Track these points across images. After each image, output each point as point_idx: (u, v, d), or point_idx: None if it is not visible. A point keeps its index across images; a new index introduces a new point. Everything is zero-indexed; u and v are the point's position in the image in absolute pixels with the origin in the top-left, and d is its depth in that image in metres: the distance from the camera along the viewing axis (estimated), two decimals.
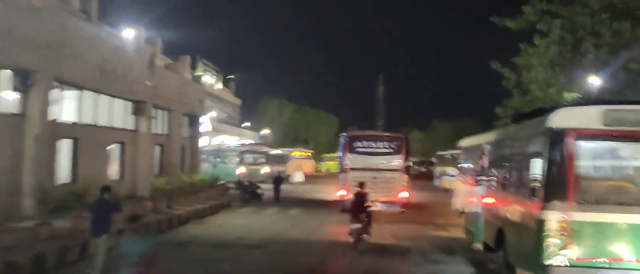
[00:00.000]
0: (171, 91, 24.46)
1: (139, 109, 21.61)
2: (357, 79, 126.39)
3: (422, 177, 48.18)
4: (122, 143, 20.81)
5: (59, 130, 16.36)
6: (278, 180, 26.53)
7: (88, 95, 18.04)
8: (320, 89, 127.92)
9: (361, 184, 14.43)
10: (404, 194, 19.43)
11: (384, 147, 19.86)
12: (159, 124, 24.30)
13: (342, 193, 19.42)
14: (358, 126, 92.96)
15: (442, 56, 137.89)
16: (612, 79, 20.50)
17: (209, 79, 54.32)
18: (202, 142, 43.20)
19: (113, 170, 20.32)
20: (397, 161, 19.61)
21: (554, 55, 22.10)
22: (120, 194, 18.87)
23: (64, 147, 17.07)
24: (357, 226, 13.40)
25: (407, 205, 19.72)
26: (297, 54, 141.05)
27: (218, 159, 36.76)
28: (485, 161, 11.66)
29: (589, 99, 9.19)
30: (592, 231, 7.47)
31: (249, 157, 37.07)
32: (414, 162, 74.11)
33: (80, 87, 17.34)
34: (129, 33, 21.35)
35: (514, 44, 24.06)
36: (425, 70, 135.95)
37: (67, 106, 17.21)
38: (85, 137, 17.85)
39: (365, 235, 13.38)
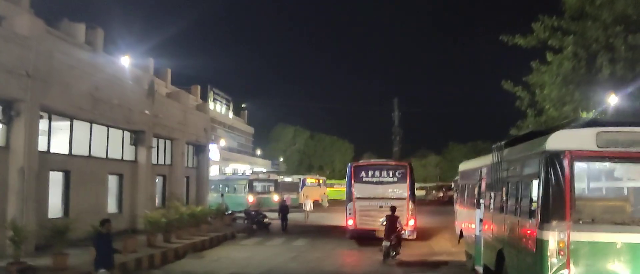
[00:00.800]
0: (173, 120, 23.87)
1: (138, 139, 21.01)
2: (372, 105, 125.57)
3: (439, 202, 46.88)
4: (120, 175, 20.16)
5: (49, 162, 15.76)
6: (284, 209, 25.68)
7: (81, 125, 17.45)
8: (334, 116, 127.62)
9: (393, 209, 15.85)
10: (411, 222, 19.12)
11: (389, 176, 19.80)
12: (161, 154, 23.66)
13: (350, 222, 19.69)
14: (373, 152, 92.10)
15: (457, 78, 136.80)
16: (630, 97, 19.52)
17: (220, 108, 54.03)
18: (213, 171, 42.63)
19: (111, 203, 19.63)
20: (403, 189, 19.51)
21: (568, 72, 21.11)
22: (118, 227, 18.21)
23: (56, 180, 16.45)
24: (388, 244, 15.04)
25: (414, 231, 19.35)
26: (311, 82, 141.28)
27: (227, 189, 36.08)
28: (483, 184, 11.80)
29: (584, 121, 9.12)
30: (589, 251, 7.56)
31: (257, 186, 36.31)
32: (431, 187, 72.94)
33: (70, 117, 16.76)
34: (125, 61, 20.83)
35: (527, 64, 23.21)
36: (440, 93, 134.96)
37: (58, 137, 16.63)
38: (79, 169, 17.22)
39: (393, 252, 15.04)
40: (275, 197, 35.33)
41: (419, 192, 69.28)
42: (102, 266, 9.54)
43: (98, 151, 18.51)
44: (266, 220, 25.80)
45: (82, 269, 12.00)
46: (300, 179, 50.09)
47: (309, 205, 28.69)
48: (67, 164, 16.79)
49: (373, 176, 19.88)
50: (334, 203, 47.39)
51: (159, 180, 23.53)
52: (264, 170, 65.27)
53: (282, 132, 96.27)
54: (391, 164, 20.92)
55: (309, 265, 15.10)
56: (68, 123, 16.93)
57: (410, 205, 19.25)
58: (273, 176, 39.55)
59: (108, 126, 19.05)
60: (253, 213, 27.24)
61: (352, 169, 20.26)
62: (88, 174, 17.78)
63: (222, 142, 45.79)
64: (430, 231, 22.48)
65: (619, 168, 8.78)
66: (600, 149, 7.82)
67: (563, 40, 19.99)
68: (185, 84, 46.39)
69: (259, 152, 64.65)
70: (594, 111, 20.87)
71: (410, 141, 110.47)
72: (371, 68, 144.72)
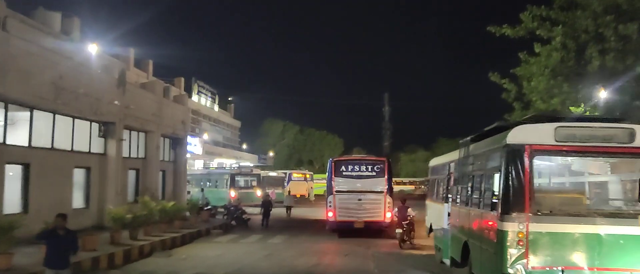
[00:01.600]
0: (147, 112, 22.91)
1: (107, 131, 20.06)
2: (361, 100, 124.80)
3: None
4: (87, 168, 19.21)
5: (5, 154, 14.81)
6: (266, 204, 24.80)
7: (42, 116, 16.49)
8: (324, 111, 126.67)
9: (403, 200, 18.15)
10: (388, 214, 19.77)
11: (368, 170, 20.41)
12: (134, 147, 22.72)
13: (330, 214, 20.25)
14: (362, 146, 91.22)
15: (445, 74, 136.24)
16: (619, 91, 18.82)
17: (205, 101, 52.99)
18: (197, 165, 41.67)
19: (77, 197, 18.68)
20: (381, 183, 20.13)
21: (556, 63, 20.36)
22: (85, 224, 17.31)
23: (14, 174, 15.50)
24: (401, 231, 17.13)
25: (391, 225, 19.66)
26: (300, 76, 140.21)
27: (208, 183, 35.10)
28: (451, 179, 12.13)
29: (544, 117, 9.20)
30: (547, 241, 7.88)
31: (240, 181, 35.33)
32: (420, 182, 72.32)
33: (31, 107, 15.80)
34: (93, 49, 19.84)
35: (515, 56, 22.46)
36: (429, 88, 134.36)
37: (17, 128, 15.69)
38: (40, 162, 16.27)
39: (406, 238, 17.08)
40: (258, 193, 34.46)
41: (408, 187, 68.84)
42: (51, 265, 8.60)
43: (62, 143, 17.56)
44: (245, 216, 24.98)
45: (30, 269, 11.11)
46: (286, 173, 49.21)
47: (289, 200, 27.80)
48: (27, 156, 15.84)
49: (352, 170, 20.43)
50: (322, 198, 46.62)
51: (132, 174, 22.58)
52: (251, 164, 64.38)
53: (271, 127, 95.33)
54: (370, 159, 21.40)
55: (282, 263, 14.27)
56: (28, 113, 15.95)
57: (388, 198, 19.90)
58: (256, 171, 38.61)
59: (73, 117, 18.07)
60: (232, 208, 26.41)
61: (333, 164, 20.85)
62: (51, 168, 16.83)
63: (206, 136, 44.74)
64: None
65: (577, 162, 9.32)
66: (559, 144, 8.10)
67: (552, 31, 19.25)
68: (169, 76, 45.39)
69: (245, 146, 63.52)
70: (582, 105, 20.16)
71: (400, 136, 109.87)
72: (360, 63, 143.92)
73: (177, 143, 26.85)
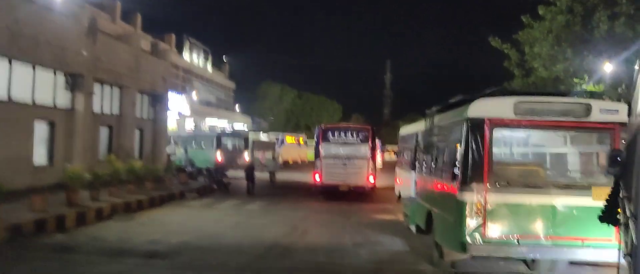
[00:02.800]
0: (121, 65, 21.46)
1: (75, 83, 18.67)
2: (361, 66, 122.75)
3: None
4: (51, 122, 17.90)
5: None
6: (250, 169, 23.52)
7: None
8: (323, 75, 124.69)
9: None
10: (371, 179, 20.99)
11: (353, 137, 21.42)
12: (107, 102, 21.36)
13: (317, 177, 21.32)
14: (361, 113, 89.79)
15: (446, 40, 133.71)
16: (627, 62, 17.39)
17: (197, 60, 51.35)
18: (188, 125, 40.29)
19: (39, 154, 17.42)
20: (365, 150, 21.17)
21: (561, 27, 18.87)
22: (48, 181, 16.10)
23: None
24: None
25: (374, 188, 21.42)
26: (300, 39, 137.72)
27: (194, 144, 33.79)
28: (418, 148, 12.36)
29: (505, 91, 9.42)
30: (505, 211, 8.15)
31: (227, 143, 34.03)
32: None
33: None
34: None
35: (519, 21, 21.01)
36: (430, 55, 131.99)
37: None
38: None
39: None
40: (246, 156, 33.23)
41: None
42: None
43: (20, 94, 16.20)
44: (226, 180, 23.81)
45: None
46: (278, 137, 48.00)
47: (272, 165, 26.34)
48: None
49: (339, 137, 21.44)
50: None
51: (104, 131, 21.28)
52: (246, 126, 63.10)
53: (268, 90, 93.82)
54: (355, 127, 22.70)
55: (249, 233, 13.06)
56: None
57: (371, 164, 21.06)
58: (245, 133, 37.29)
59: (33, 65, 16.65)
60: (213, 171, 25.30)
61: (321, 131, 21.94)
62: (7, 120, 15.52)
63: (195, 95, 43.27)
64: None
65: (535, 135, 9.65)
66: (518, 118, 8.33)
67: None
68: (161, 32, 43.73)
69: (238, 108, 62.02)
70: (586, 77, 18.75)
71: (400, 103, 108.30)
72: (361, 28, 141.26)
73: (157, 100, 25.46)
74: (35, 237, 11.20)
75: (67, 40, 17.79)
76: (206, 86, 53.42)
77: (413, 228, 12.14)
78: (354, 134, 21.36)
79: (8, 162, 15.31)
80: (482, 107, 8.44)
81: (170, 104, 35.99)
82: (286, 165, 45.72)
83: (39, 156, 17.34)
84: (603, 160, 8.80)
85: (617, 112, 8.34)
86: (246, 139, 34.31)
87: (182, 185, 22.29)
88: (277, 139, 47.16)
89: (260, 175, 27.41)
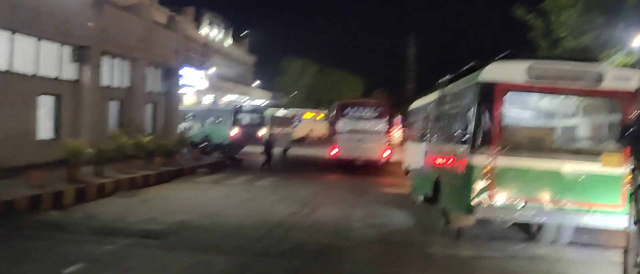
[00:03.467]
0: (131, 37, 20.87)
1: (82, 55, 18.16)
2: (385, 39, 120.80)
3: None
4: (57, 95, 17.45)
5: None
6: (268, 145, 22.91)
7: None
8: (344, 50, 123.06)
9: None
10: (387, 153, 21.91)
11: (370, 113, 22.19)
12: (117, 75, 20.85)
13: (334, 151, 22.51)
14: (384, 88, 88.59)
15: (471, 12, 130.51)
16: None
17: (216, 34, 50.64)
18: (205, 100, 39.81)
19: (45, 128, 17.02)
20: (381, 125, 21.96)
21: None
22: (55, 156, 15.66)
23: None
24: None
25: (387, 163, 22.19)
26: (323, 12, 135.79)
27: (211, 120, 33.30)
28: (428, 119, 12.34)
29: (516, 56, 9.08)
30: (513, 175, 8.22)
31: (244, 118, 33.45)
32: None
33: None
34: None
35: None
36: (454, 27, 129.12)
37: None
38: None
39: None
40: (263, 131, 32.61)
41: None
42: None
43: (23, 67, 15.72)
44: (238, 156, 23.28)
45: None
46: (296, 112, 47.33)
47: (285, 141, 25.53)
48: None
49: (356, 112, 22.20)
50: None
51: (113, 105, 20.82)
52: (265, 102, 62.53)
53: (290, 65, 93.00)
54: (372, 102, 23.99)
55: (255, 211, 12.45)
56: None
57: (386, 139, 22.11)
58: (263, 108, 36.65)
59: (39, 38, 16.15)
60: (227, 146, 24.85)
61: (338, 106, 23.18)
62: (9, 93, 15.07)
63: (213, 70, 42.64)
64: None
65: (547, 101, 9.63)
66: (530, 82, 8.35)
67: None
68: (179, 5, 43.00)
69: (257, 82, 61.25)
70: (615, 48, 17.62)
71: (424, 78, 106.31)
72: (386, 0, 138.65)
73: (170, 74, 24.89)
74: (28, 214, 10.69)
75: (71, 12, 17.22)
76: (226, 61, 52.79)
77: (420, 198, 12.33)
78: (371, 110, 22.31)
79: (10, 137, 14.91)
80: (495, 72, 8.44)
81: (186, 78, 35.56)
82: (303, 141, 45.18)
83: (44, 131, 16.95)
84: (614, 127, 8.73)
85: (629, 80, 8.35)
86: (263, 115, 33.62)
87: (195, 161, 21.81)
88: (296, 115, 46.46)
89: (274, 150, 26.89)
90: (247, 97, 55.41)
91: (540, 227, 9.35)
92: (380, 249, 9.27)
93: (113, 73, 20.43)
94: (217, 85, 45.00)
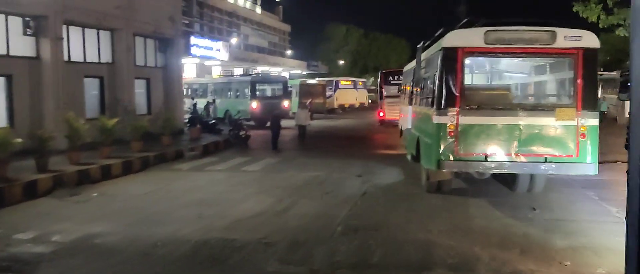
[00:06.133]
0: (105, 3, 17.95)
1: (38, 27, 15.45)
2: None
3: None
4: (7, 76, 14.85)
5: None
6: (275, 120, 19.74)
7: None
8: (389, 12, 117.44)
9: None
10: None
11: None
12: (92, 49, 18.09)
13: (380, 115, 25.92)
14: None
15: None
16: None
17: (244, 1, 47.52)
18: (237, 72, 36.86)
19: None
20: None
21: None
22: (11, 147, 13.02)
23: None
24: None
25: None
26: None
27: (229, 93, 30.44)
28: (412, 83, 12.88)
29: (480, 22, 9.49)
30: (474, 132, 9.04)
31: (265, 89, 30.39)
32: None
33: None
34: None
35: None
36: None
37: None
38: None
39: None
40: (286, 104, 29.45)
41: None
42: None
43: None
44: (242, 133, 20.26)
45: None
46: (332, 81, 43.90)
47: (302, 117, 21.49)
48: None
49: (398, 79, 22.63)
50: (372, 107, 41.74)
51: (91, 83, 18.11)
52: (304, 72, 59.30)
53: (334, 32, 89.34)
54: None
55: (203, 211, 9.37)
56: None
57: None
58: (281, 78, 33.39)
59: None
60: (232, 122, 21.98)
61: (382, 75, 25.92)
62: None
63: (234, 40, 39.66)
64: None
65: (505, 62, 11.28)
66: (488, 46, 9.06)
67: None
68: None
69: (291, 52, 57.89)
70: None
71: None
72: None
73: (167, 45, 21.96)
74: None
75: None
76: (256, 31, 49.76)
77: (409, 157, 13.10)
78: None
79: None
80: (455, 38, 9.16)
81: (201, 50, 32.79)
82: (339, 110, 41.95)
83: None
84: (568, 83, 9.40)
85: (580, 38, 8.87)
86: (285, 85, 30.42)
87: (192, 142, 19.00)
88: (328, 83, 43.05)
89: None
90: (281, 68, 52.45)
91: (515, 178, 10.17)
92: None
93: (86, 46, 17.66)
94: (244, 56, 42.13)
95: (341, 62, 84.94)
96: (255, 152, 18.24)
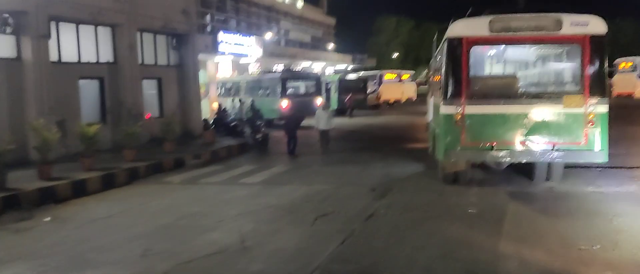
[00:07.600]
0: None
1: (18, 25, 13.88)
2: None
3: None
4: None
5: None
6: (292, 121, 17.42)
7: None
8: (443, 1, 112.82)
9: None
10: None
11: None
12: (89, 47, 16.44)
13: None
14: None
15: None
16: None
17: None
18: (276, 69, 34.90)
19: None
20: None
21: None
22: None
23: None
24: None
25: None
26: None
27: (260, 91, 28.44)
28: (432, 74, 13.52)
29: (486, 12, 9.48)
30: (482, 121, 9.15)
31: (298, 86, 28.22)
32: None
33: None
34: None
35: None
36: None
37: None
38: None
39: None
40: (319, 101, 27.13)
41: None
42: None
43: None
44: (259, 135, 18.15)
45: None
46: (376, 75, 41.35)
47: (323, 119, 17.86)
48: None
49: None
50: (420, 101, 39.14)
51: (89, 85, 16.49)
52: (350, 67, 56.90)
53: (383, 24, 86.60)
54: None
55: (150, 247, 7.33)
56: None
57: None
58: (313, 75, 31.02)
59: None
60: (249, 122, 20.00)
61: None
62: None
63: (269, 35, 37.64)
64: None
65: (510, 51, 10.85)
66: (493, 35, 9.09)
67: None
68: None
69: (331, 46, 55.33)
70: None
71: None
72: None
73: (181, 41, 20.19)
74: None
75: None
76: (296, 25, 47.72)
77: (430, 151, 12.58)
78: None
79: None
80: (460, 27, 9.24)
81: (234, 47, 31.01)
82: (384, 105, 39.38)
83: None
84: (575, 70, 9.26)
85: (586, 25, 8.78)
86: (318, 82, 28.16)
87: (203, 147, 17.13)
88: (374, 77, 40.54)
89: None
90: (324, 63, 50.29)
91: (532, 168, 10.04)
92: None
93: (81, 45, 16.02)
94: (281, 52, 40.17)
95: (395, 54, 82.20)
96: (269, 158, 16.17)
